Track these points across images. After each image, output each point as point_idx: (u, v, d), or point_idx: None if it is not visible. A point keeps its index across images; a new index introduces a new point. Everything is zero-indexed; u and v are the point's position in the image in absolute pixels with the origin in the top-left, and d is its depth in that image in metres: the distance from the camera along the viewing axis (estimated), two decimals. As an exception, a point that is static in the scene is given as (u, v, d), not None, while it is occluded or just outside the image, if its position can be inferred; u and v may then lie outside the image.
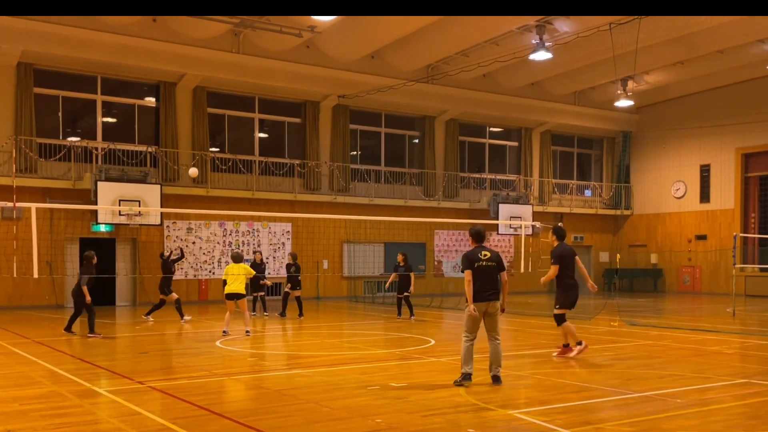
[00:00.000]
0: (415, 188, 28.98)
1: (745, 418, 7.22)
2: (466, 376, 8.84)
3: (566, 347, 11.41)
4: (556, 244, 11.44)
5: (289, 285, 19.31)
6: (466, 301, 9.00)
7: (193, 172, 17.20)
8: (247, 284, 15.11)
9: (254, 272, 15.46)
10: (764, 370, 10.23)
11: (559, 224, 11.75)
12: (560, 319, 11.30)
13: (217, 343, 13.49)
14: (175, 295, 17.91)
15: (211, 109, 25.29)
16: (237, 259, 14.94)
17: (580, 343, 11.25)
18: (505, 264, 11.50)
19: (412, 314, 18.25)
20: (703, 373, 9.90)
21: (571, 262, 11.30)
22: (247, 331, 14.40)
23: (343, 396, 8.23)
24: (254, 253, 20.44)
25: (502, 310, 9.16)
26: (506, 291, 9.18)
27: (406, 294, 18.31)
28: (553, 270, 11.18)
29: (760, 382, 9.13)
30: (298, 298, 19.11)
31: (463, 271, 9.03)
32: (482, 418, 7.15)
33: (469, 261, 8.98)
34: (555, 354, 11.57)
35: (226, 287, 14.56)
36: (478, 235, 9.16)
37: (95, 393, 8.52)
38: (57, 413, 7.40)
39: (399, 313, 18.65)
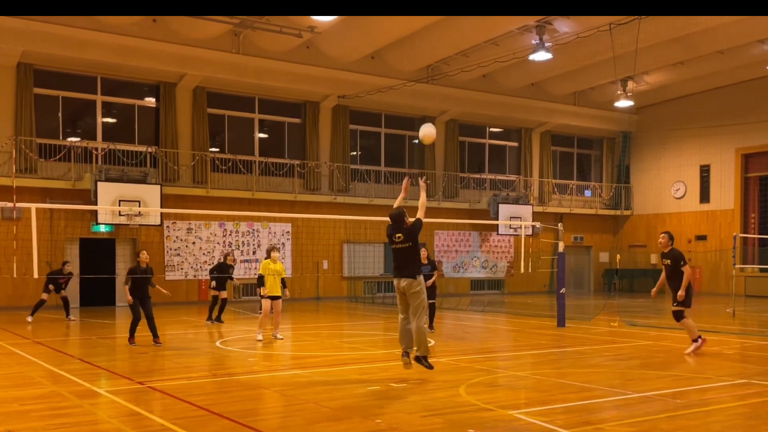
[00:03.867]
0: (415, 188, 28.94)
1: (745, 419, 7.22)
2: (403, 353, 9.28)
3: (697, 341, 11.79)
4: (670, 247, 12.00)
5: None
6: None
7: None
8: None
9: (284, 272, 14.08)
10: (764, 371, 10.22)
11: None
12: (680, 316, 11.77)
13: (217, 343, 13.48)
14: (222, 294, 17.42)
15: (211, 110, 25.29)
16: (271, 252, 13.87)
17: (696, 340, 11.70)
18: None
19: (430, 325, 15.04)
20: (703, 373, 9.90)
21: None
22: (275, 335, 13.83)
23: (343, 396, 8.22)
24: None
25: (425, 183, 9.90)
26: (423, 200, 9.52)
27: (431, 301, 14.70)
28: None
29: (760, 382, 9.12)
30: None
31: None
32: (482, 418, 7.14)
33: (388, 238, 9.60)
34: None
35: (269, 288, 13.56)
36: (390, 218, 9.51)
37: (95, 393, 8.51)
38: (57, 413, 7.39)
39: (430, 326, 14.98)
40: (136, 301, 13.10)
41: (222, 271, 17.71)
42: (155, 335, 13.08)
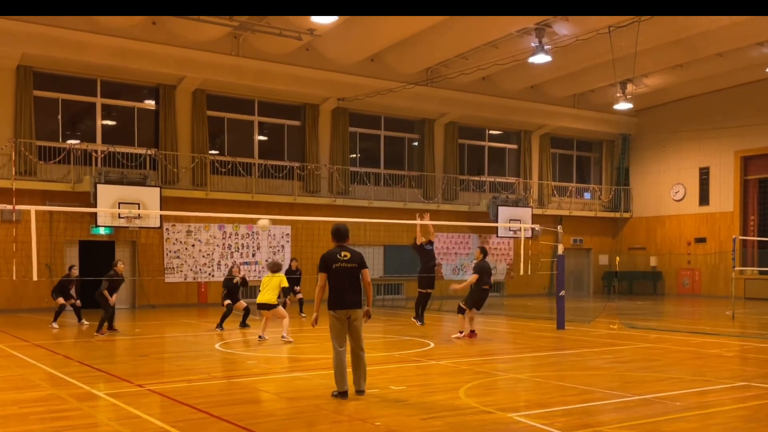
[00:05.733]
0: (414, 191, 28.98)
1: (744, 421, 7.22)
2: (342, 394, 8.15)
3: (473, 333, 14.49)
4: (480, 258, 14.61)
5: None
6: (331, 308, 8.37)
7: (264, 224, 16.66)
8: (279, 293, 14.37)
9: (287, 284, 14.69)
10: (764, 373, 10.23)
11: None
12: (462, 310, 14.43)
13: (217, 346, 13.48)
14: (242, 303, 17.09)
15: (211, 112, 25.29)
16: (274, 268, 14.36)
17: (469, 332, 14.41)
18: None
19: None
20: (703, 376, 9.90)
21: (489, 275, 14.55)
22: (282, 336, 13.83)
23: (342, 399, 8.21)
24: (291, 260, 20.94)
25: (368, 316, 8.50)
26: (370, 293, 8.49)
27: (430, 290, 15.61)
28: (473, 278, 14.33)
29: (760, 385, 9.13)
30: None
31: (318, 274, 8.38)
32: (482, 421, 7.14)
33: (324, 263, 8.29)
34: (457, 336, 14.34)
35: (259, 296, 14.12)
36: (338, 234, 8.43)
37: (94, 396, 8.51)
38: (56, 416, 7.39)
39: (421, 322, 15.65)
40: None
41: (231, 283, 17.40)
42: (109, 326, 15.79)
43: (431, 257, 16.01)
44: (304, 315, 19.56)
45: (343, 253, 8.35)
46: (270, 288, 14.07)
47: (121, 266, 16.28)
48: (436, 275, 16.09)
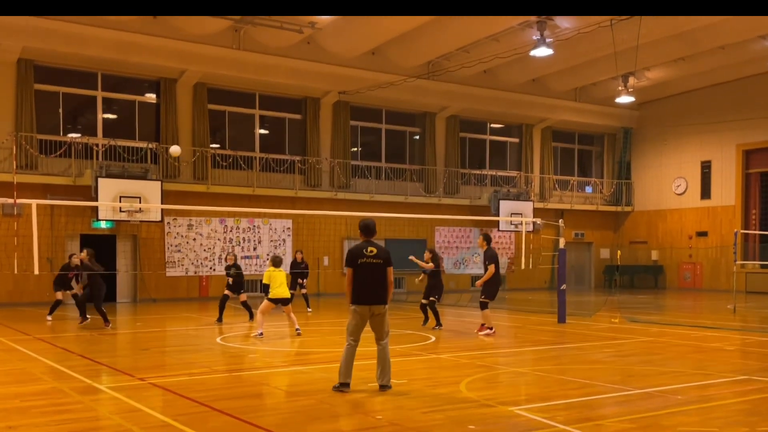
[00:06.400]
0: (415, 184, 28.96)
1: (745, 415, 7.22)
2: (344, 385, 8.18)
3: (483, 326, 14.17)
4: (486, 247, 14.15)
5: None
6: (352, 302, 8.31)
7: (175, 150, 16.57)
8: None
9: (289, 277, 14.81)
10: (765, 367, 10.23)
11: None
12: (485, 305, 14.03)
13: (218, 339, 13.50)
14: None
15: (212, 106, 25.28)
16: (279, 263, 14.29)
17: (490, 328, 14.03)
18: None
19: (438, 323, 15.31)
20: (704, 369, 9.90)
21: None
22: (297, 330, 13.87)
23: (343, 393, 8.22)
24: (296, 252, 20.08)
25: None
26: (390, 292, 8.39)
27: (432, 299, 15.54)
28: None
29: (761, 378, 9.13)
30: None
31: (345, 268, 8.42)
32: (483, 414, 7.15)
33: (351, 258, 8.29)
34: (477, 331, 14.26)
35: (275, 291, 13.82)
36: (366, 229, 8.43)
37: (96, 389, 8.52)
38: (58, 410, 7.40)
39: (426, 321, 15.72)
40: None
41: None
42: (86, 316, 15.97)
43: (431, 277, 15.98)
44: (310, 310, 19.49)
45: (369, 249, 8.31)
46: (284, 283, 14.08)
47: (76, 257, 16.75)
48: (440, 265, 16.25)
